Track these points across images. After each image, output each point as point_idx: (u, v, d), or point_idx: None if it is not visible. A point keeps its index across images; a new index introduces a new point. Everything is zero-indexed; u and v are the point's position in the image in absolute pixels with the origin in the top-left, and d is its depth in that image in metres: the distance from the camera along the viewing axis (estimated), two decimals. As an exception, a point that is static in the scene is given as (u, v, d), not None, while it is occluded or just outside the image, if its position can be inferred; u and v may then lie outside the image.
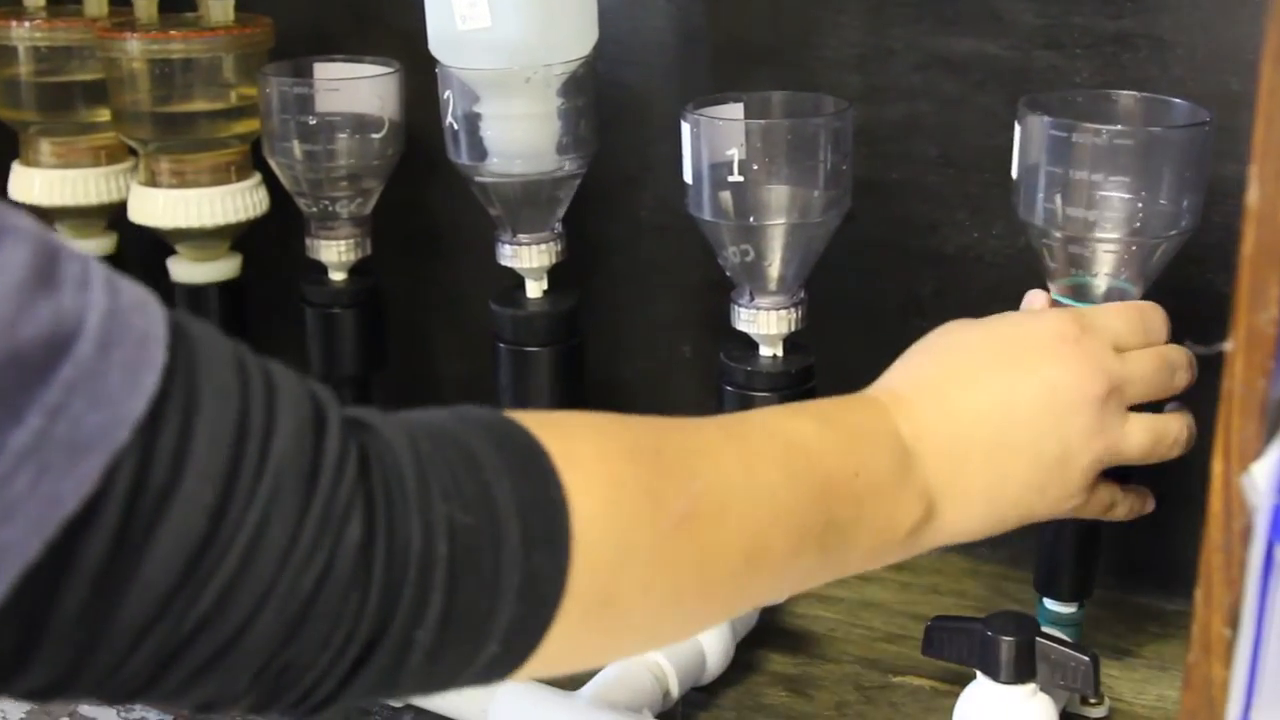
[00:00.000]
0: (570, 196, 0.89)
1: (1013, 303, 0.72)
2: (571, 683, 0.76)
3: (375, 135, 0.93)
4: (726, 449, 0.55)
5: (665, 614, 0.53)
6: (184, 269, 1.02)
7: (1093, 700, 0.76)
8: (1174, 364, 0.67)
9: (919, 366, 0.66)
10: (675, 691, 0.76)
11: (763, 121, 0.78)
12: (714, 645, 0.78)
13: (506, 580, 0.46)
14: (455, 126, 0.87)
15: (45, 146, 1.05)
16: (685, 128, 0.77)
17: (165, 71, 0.96)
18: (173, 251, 1.02)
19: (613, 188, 0.97)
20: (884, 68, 0.87)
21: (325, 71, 0.93)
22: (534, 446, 0.48)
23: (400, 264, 1.04)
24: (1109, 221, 0.70)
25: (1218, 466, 0.39)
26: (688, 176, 0.78)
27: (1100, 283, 0.71)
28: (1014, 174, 0.73)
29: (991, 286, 0.86)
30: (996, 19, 0.83)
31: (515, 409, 0.51)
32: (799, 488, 0.56)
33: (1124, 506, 0.70)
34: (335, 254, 0.96)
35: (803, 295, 0.80)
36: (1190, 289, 0.76)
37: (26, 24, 1.02)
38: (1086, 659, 0.68)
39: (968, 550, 0.91)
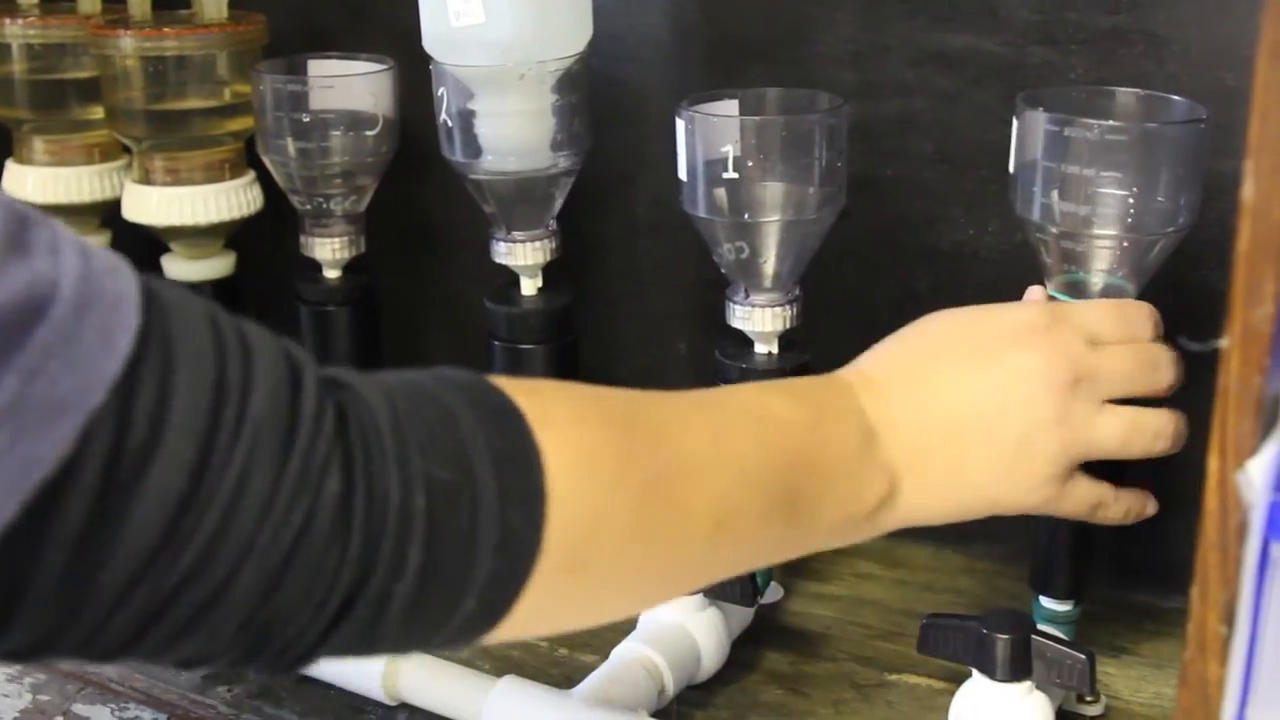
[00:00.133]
0: (565, 193, 0.89)
1: (1009, 299, 0.72)
2: (567, 681, 0.76)
3: (369, 132, 0.93)
4: (697, 418, 0.56)
5: (636, 577, 0.54)
6: (178, 267, 1.02)
7: (1089, 698, 0.76)
8: (1154, 361, 0.66)
9: (891, 352, 0.67)
10: (671, 689, 0.76)
11: (758, 118, 0.78)
12: (709, 643, 0.78)
13: (484, 535, 0.46)
14: (449, 123, 0.86)
15: (39, 144, 1.05)
16: (680, 124, 0.77)
17: (159, 69, 0.96)
18: (167, 249, 1.02)
19: (607, 185, 0.97)
20: (879, 64, 0.87)
21: (319, 69, 0.93)
22: (510, 407, 0.49)
23: (395, 261, 1.04)
24: (1105, 218, 0.69)
25: (1213, 464, 0.39)
26: (682, 173, 0.78)
27: (1096, 279, 0.71)
28: (1010, 169, 0.73)
29: (987, 283, 0.86)
30: (992, 15, 0.83)
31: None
32: (768, 457, 0.57)
33: (1117, 508, 0.68)
34: (329, 252, 0.96)
35: (798, 292, 0.80)
36: (1186, 285, 0.76)
37: (20, 21, 1.02)
38: (1082, 657, 0.67)
39: (964, 548, 0.91)
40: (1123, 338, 0.66)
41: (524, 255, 0.89)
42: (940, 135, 0.86)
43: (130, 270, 0.41)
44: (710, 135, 0.76)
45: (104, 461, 0.38)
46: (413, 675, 0.77)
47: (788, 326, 0.80)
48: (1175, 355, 0.67)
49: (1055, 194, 0.70)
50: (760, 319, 0.79)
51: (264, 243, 1.03)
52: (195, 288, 1.00)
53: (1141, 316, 0.68)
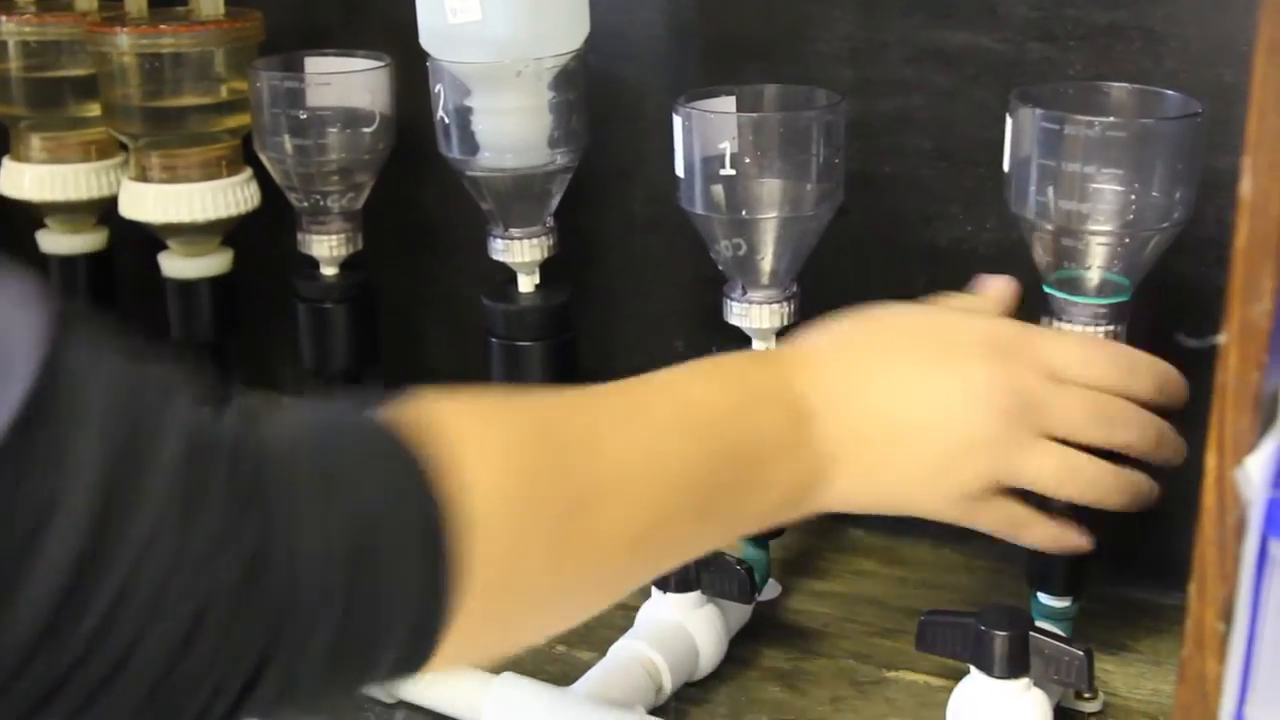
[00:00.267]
0: (562, 190, 0.89)
1: (1006, 296, 0.72)
2: (564, 678, 0.76)
3: (366, 129, 0.93)
4: (622, 424, 0.56)
5: (566, 596, 0.54)
6: (175, 264, 1.02)
7: (1087, 695, 0.76)
8: (1109, 415, 0.65)
9: (844, 336, 0.66)
10: (669, 687, 0.76)
11: (755, 115, 0.78)
12: (708, 640, 0.78)
13: (401, 586, 0.46)
14: (446, 120, 0.86)
15: (35, 142, 1.05)
16: (677, 121, 0.77)
17: (155, 66, 0.96)
18: (164, 247, 1.02)
19: (604, 182, 0.96)
20: (876, 61, 0.87)
21: (316, 65, 0.93)
22: (419, 452, 0.47)
23: (392, 259, 1.04)
24: (1101, 214, 0.69)
25: (1211, 460, 0.39)
26: (680, 170, 0.78)
27: (1093, 275, 0.71)
28: (1005, 167, 0.73)
29: (985, 280, 0.86)
30: (990, 11, 0.83)
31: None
32: (694, 454, 0.57)
33: (1039, 531, 0.67)
34: (327, 249, 0.96)
35: (795, 289, 0.80)
36: (1183, 282, 0.76)
37: (16, 19, 1.02)
38: (1080, 654, 0.67)
39: (962, 544, 0.90)
40: (1088, 380, 0.65)
41: (521, 252, 0.89)
42: (938, 132, 0.86)
43: (38, 318, 0.39)
44: (708, 132, 0.76)
45: None
46: (411, 673, 0.77)
47: (785, 323, 0.80)
48: (1145, 418, 0.66)
49: (1051, 191, 0.70)
50: (758, 316, 0.79)
51: (261, 240, 1.03)
52: (192, 285, 1.01)
53: (1119, 369, 0.66)
